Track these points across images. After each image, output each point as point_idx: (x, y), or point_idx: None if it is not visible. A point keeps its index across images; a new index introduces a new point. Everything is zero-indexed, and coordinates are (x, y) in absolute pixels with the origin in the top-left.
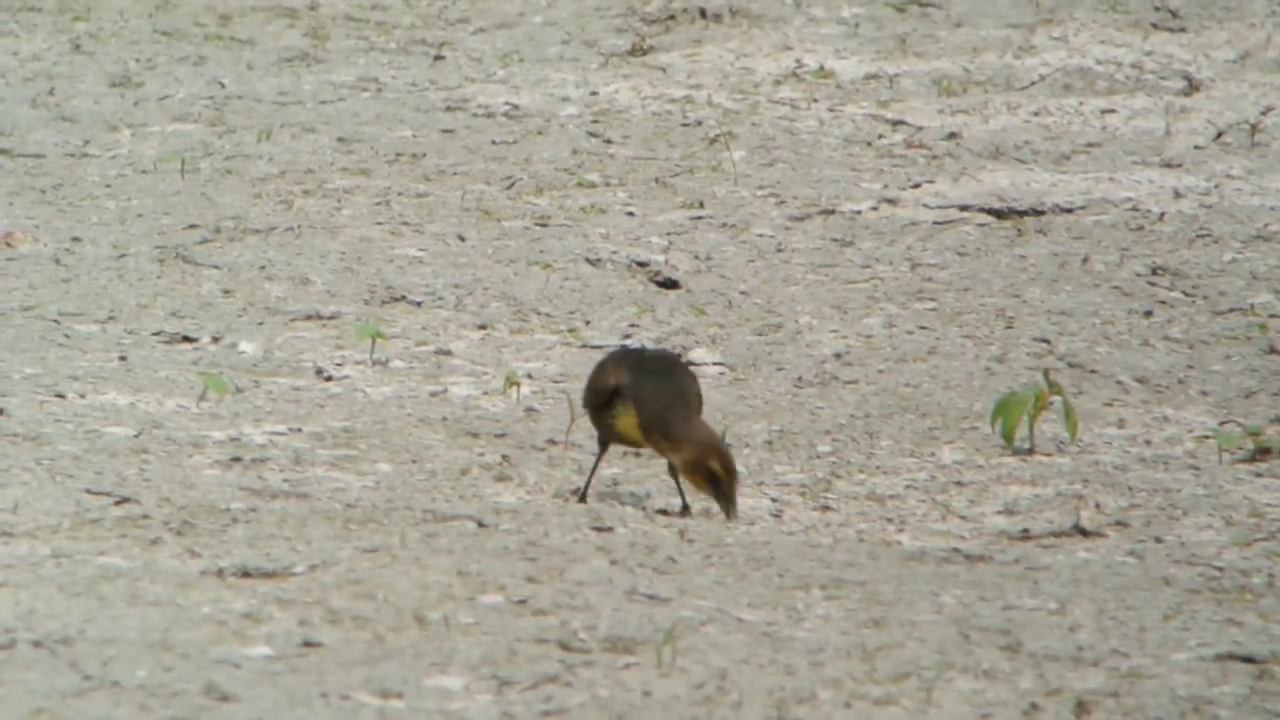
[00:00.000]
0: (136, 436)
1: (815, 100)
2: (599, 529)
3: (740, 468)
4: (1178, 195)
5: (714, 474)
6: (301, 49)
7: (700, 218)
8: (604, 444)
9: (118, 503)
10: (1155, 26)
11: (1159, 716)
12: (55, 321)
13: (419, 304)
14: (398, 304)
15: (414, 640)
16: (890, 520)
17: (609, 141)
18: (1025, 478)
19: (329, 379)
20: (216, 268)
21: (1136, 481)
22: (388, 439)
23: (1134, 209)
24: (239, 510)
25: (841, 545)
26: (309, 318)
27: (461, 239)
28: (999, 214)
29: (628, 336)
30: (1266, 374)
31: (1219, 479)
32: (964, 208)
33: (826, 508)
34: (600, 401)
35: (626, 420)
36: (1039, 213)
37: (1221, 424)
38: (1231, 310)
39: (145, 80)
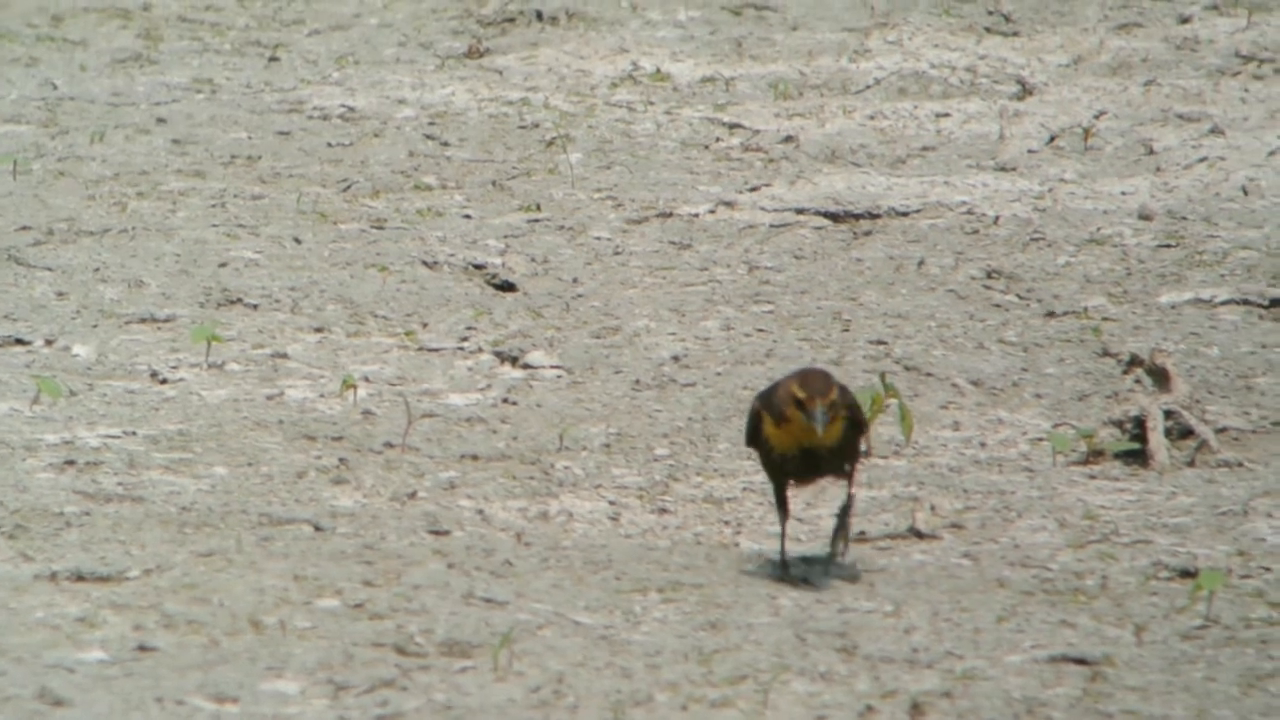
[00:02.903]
0: None
1: (652, 103)
2: (436, 532)
3: (579, 470)
4: (1012, 199)
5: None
6: (135, 50)
7: (537, 220)
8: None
9: None
10: (989, 30)
11: (993, 718)
12: None
13: (255, 307)
14: (233, 307)
15: (250, 645)
16: (728, 523)
17: (446, 144)
18: (861, 480)
19: (164, 382)
20: (49, 270)
21: (971, 484)
22: (223, 442)
23: (969, 212)
24: (73, 514)
25: (679, 548)
26: (143, 320)
27: (298, 241)
28: (835, 217)
29: (465, 339)
30: (1100, 377)
31: (1053, 481)
32: (800, 211)
33: (664, 510)
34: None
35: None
36: (875, 216)
37: (1055, 426)
38: (1065, 313)
39: None
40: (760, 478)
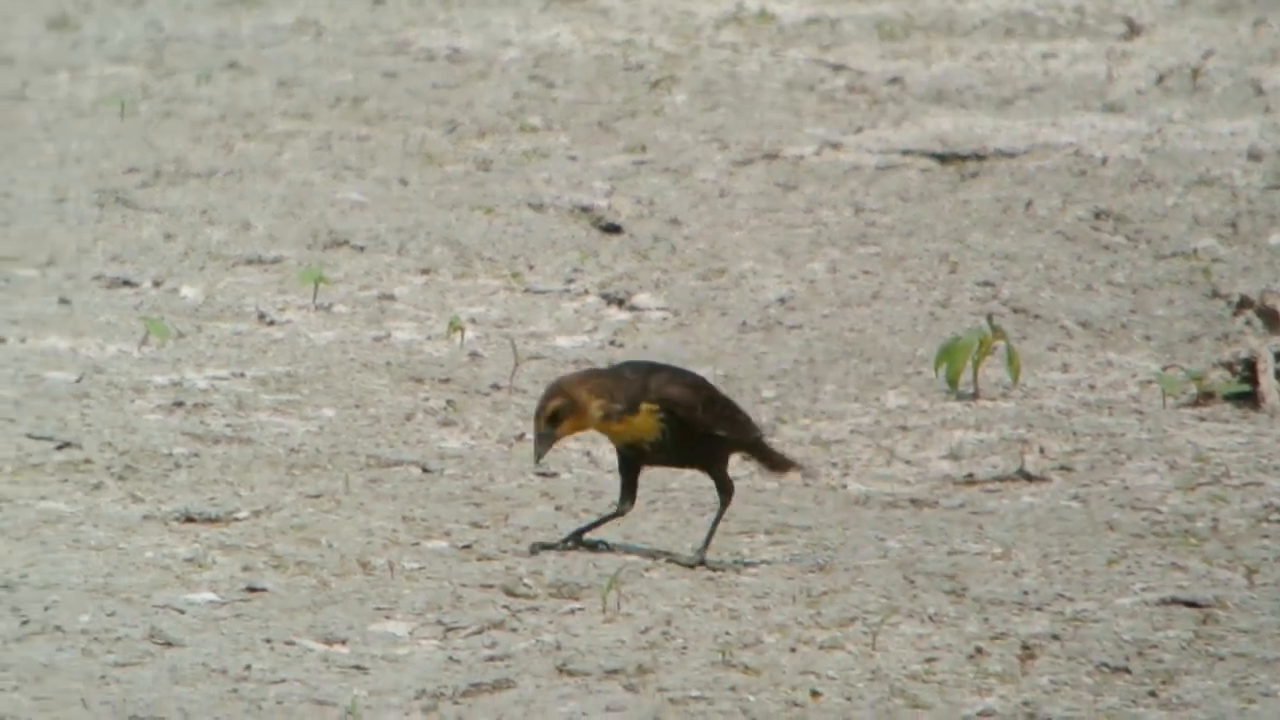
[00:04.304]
0: (78, 381)
1: (757, 44)
2: (543, 474)
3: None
4: (1120, 139)
5: None
6: None
7: (643, 162)
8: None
9: (60, 447)
10: None
11: (1103, 660)
12: None
13: (361, 248)
14: (340, 248)
15: (358, 586)
16: (835, 465)
17: (551, 85)
18: (970, 422)
19: (271, 323)
20: (157, 211)
21: (1080, 426)
22: (331, 384)
23: (1076, 153)
24: (181, 455)
25: (786, 490)
26: (250, 262)
27: (404, 183)
28: (941, 158)
29: (571, 281)
30: (1209, 318)
31: (1162, 423)
32: (906, 152)
33: None
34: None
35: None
36: (981, 157)
37: (1165, 368)
38: (1174, 254)
39: (83, 22)
40: (868, 419)
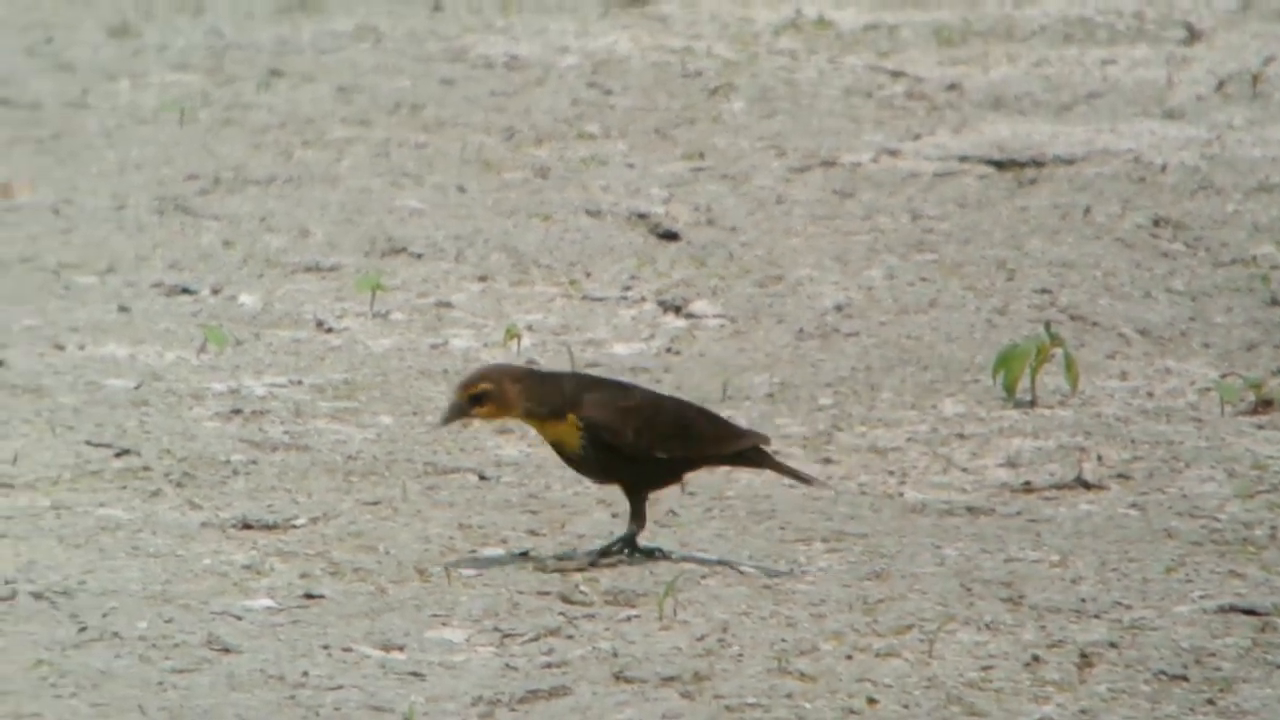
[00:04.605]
0: (137, 388)
1: (815, 51)
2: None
3: (743, 420)
4: (1179, 146)
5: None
6: None
7: (700, 169)
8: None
9: (118, 454)
10: None
11: (1161, 668)
12: (54, 272)
13: (419, 256)
14: (398, 255)
15: (416, 593)
16: (892, 473)
17: (609, 92)
18: (1027, 430)
19: (329, 331)
20: (216, 219)
21: (1138, 434)
22: (388, 391)
23: (1135, 160)
24: (239, 462)
25: (843, 498)
26: (309, 269)
27: (462, 190)
28: (1000, 165)
29: (628, 288)
30: (1268, 326)
31: (1221, 431)
32: (964, 159)
33: (828, 460)
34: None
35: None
36: (1040, 164)
37: (1223, 376)
38: (1233, 262)
39: (144, 29)
40: (925, 427)
